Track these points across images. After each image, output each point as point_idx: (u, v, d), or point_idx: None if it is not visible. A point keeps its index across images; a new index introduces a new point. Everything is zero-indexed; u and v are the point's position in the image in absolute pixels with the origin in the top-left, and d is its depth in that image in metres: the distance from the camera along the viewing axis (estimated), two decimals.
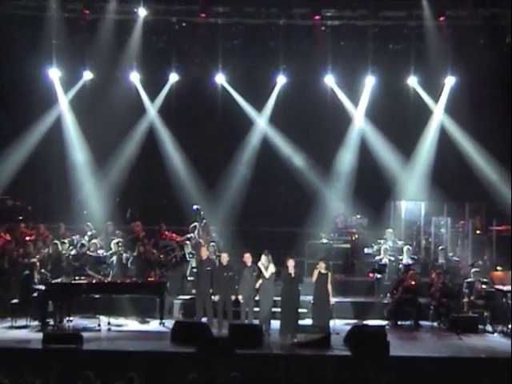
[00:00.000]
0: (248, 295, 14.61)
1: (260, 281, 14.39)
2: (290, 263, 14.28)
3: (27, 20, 18.11)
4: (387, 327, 14.91)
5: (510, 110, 18.58)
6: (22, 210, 19.04)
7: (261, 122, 20.20)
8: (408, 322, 15.60)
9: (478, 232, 18.26)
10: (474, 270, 16.01)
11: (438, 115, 19.69)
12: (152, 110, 20.03)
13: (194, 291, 15.24)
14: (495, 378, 11.78)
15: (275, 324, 14.37)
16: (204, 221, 17.89)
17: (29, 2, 17.98)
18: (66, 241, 16.81)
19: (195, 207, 18.08)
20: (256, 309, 14.72)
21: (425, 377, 12.03)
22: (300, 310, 14.63)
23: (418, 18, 18.09)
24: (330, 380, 12.03)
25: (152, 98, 19.96)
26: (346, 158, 19.84)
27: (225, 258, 14.95)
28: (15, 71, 18.44)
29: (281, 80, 19.53)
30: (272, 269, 14.38)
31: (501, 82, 18.51)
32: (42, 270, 15.33)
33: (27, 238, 17.34)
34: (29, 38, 18.12)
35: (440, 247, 17.90)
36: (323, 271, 14.33)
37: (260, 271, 14.42)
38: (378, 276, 16.71)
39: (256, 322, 14.48)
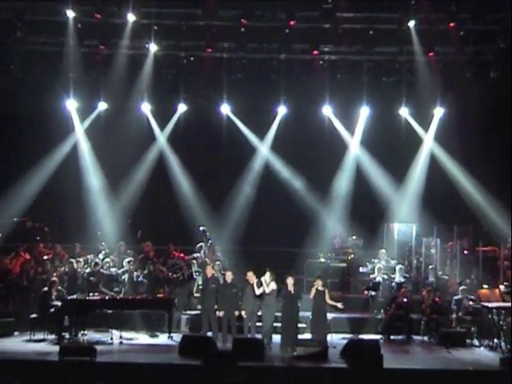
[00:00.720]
0: (251, 311, 14.66)
1: (260, 289, 14.45)
2: (290, 281, 14.30)
3: (47, 55, 18.42)
4: (381, 341, 14.94)
5: (498, 138, 18.80)
6: (40, 231, 19.09)
7: (263, 149, 20.28)
8: (400, 337, 15.63)
9: (465, 252, 18.22)
10: (461, 287, 16.05)
11: (428, 143, 19.81)
12: (161, 137, 20.16)
13: (200, 307, 15.34)
14: None
15: (276, 338, 14.39)
16: (209, 241, 17.95)
17: (48, 38, 18.24)
18: (81, 259, 16.85)
19: (201, 228, 18.15)
20: (258, 324, 14.78)
21: None
22: (299, 325, 14.65)
23: (409, 53, 18.24)
24: None
25: (162, 127, 20.12)
26: (343, 183, 19.90)
27: (229, 276, 15.02)
28: (36, 102, 18.66)
29: (281, 110, 19.70)
30: (273, 286, 14.41)
31: (486, 112, 18.67)
32: (59, 287, 15.39)
33: (45, 257, 17.38)
34: (48, 71, 18.43)
35: (430, 266, 17.88)
36: (320, 288, 14.36)
37: (261, 284, 14.47)
38: (373, 293, 16.73)
39: (258, 336, 14.52)
